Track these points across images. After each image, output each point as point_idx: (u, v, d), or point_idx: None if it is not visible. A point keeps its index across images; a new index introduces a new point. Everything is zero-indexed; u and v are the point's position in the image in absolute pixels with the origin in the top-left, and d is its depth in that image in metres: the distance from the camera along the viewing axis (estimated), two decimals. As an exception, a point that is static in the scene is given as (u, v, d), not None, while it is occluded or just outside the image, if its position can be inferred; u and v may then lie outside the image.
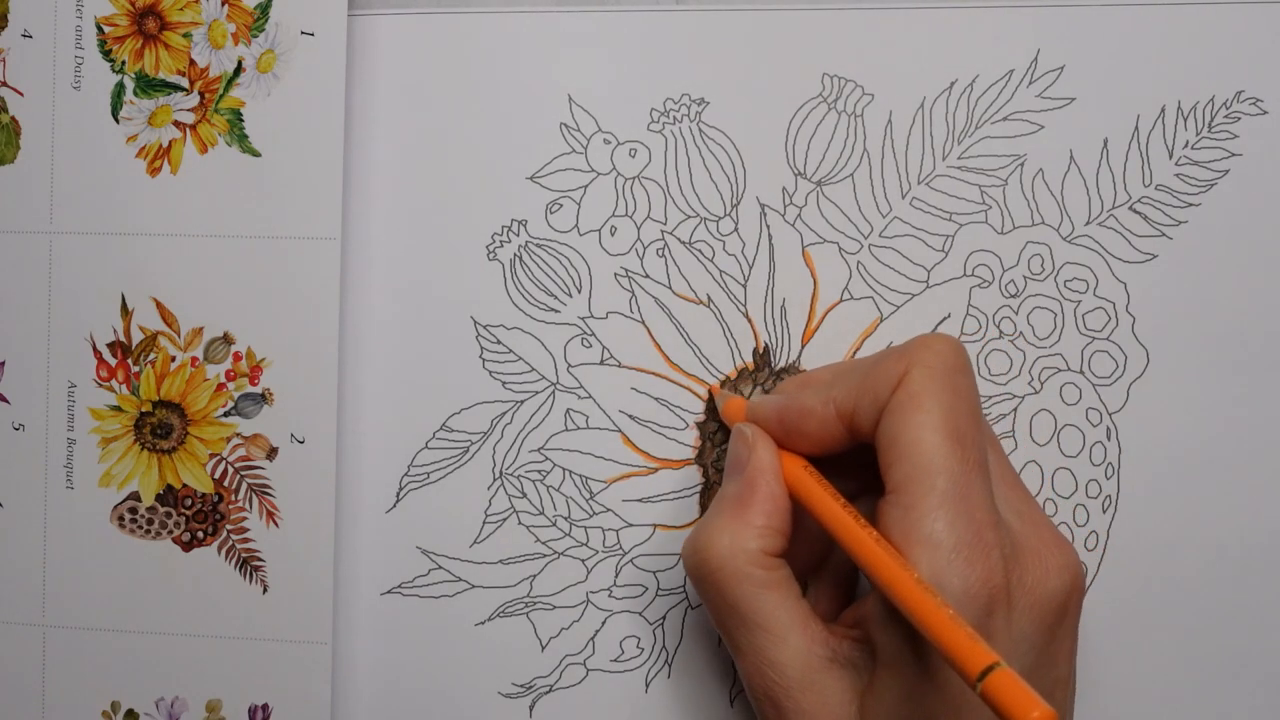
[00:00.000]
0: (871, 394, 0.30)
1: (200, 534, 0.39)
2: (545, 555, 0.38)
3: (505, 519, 0.39)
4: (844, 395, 0.31)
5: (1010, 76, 0.37)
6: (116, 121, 0.38)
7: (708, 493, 0.38)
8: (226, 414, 0.38)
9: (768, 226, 0.38)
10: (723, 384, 0.38)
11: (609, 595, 0.38)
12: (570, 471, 0.38)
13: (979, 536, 0.28)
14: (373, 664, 0.39)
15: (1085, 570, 0.31)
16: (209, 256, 0.38)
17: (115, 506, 0.39)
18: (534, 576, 0.39)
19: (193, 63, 0.38)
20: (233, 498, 0.38)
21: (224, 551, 0.38)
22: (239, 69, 0.38)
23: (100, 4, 0.38)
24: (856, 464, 0.32)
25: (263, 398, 0.38)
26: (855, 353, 0.38)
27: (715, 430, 0.38)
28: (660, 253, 0.38)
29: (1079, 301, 0.37)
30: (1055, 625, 0.30)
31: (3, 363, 0.39)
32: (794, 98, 0.38)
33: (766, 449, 0.32)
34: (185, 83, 0.38)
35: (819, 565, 0.35)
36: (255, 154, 0.38)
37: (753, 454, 0.32)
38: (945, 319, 0.37)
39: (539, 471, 0.38)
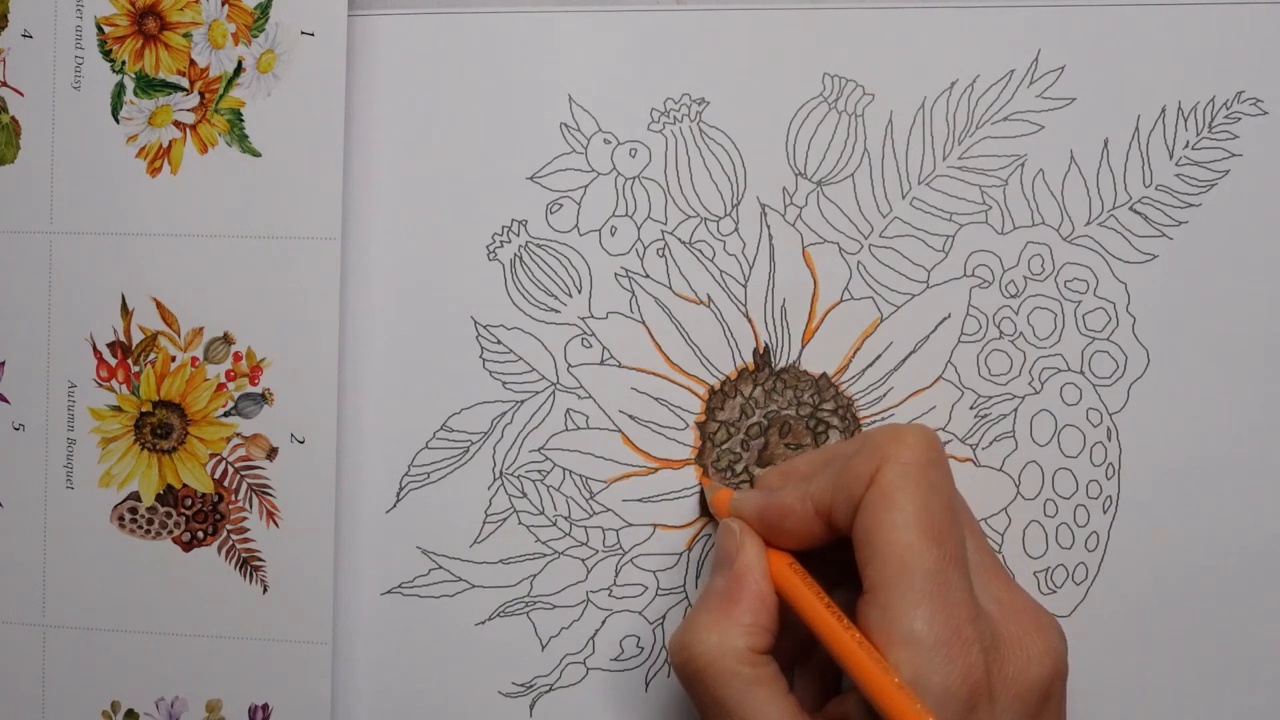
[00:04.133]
0: (846, 492, 0.30)
1: (200, 534, 0.39)
2: (545, 555, 0.38)
3: (505, 519, 0.39)
4: (820, 492, 0.31)
5: (1011, 76, 0.37)
6: (116, 121, 0.38)
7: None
8: (226, 414, 0.38)
9: (768, 226, 0.38)
10: (723, 382, 0.38)
11: (609, 595, 0.38)
12: (570, 471, 0.38)
13: (958, 633, 0.28)
14: (373, 664, 0.39)
15: (1067, 650, 0.31)
16: (209, 256, 0.38)
17: (115, 506, 0.39)
18: (534, 576, 0.39)
19: (193, 63, 0.38)
20: (233, 498, 0.38)
21: (224, 551, 0.38)
22: (239, 69, 0.38)
23: (100, 4, 0.38)
24: (841, 553, 0.32)
25: (263, 398, 0.38)
26: (855, 353, 0.38)
27: (717, 430, 0.38)
28: (660, 253, 0.38)
29: (1079, 302, 0.37)
30: (1039, 713, 0.30)
31: (3, 363, 0.39)
32: (794, 97, 0.38)
33: (754, 546, 0.32)
34: (185, 83, 0.38)
35: (805, 656, 0.35)
36: (255, 154, 0.38)
37: (741, 551, 0.32)
38: (945, 319, 0.37)
39: (539, 471, 0.38)
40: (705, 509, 0.38)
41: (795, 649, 0.34)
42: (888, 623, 0.28)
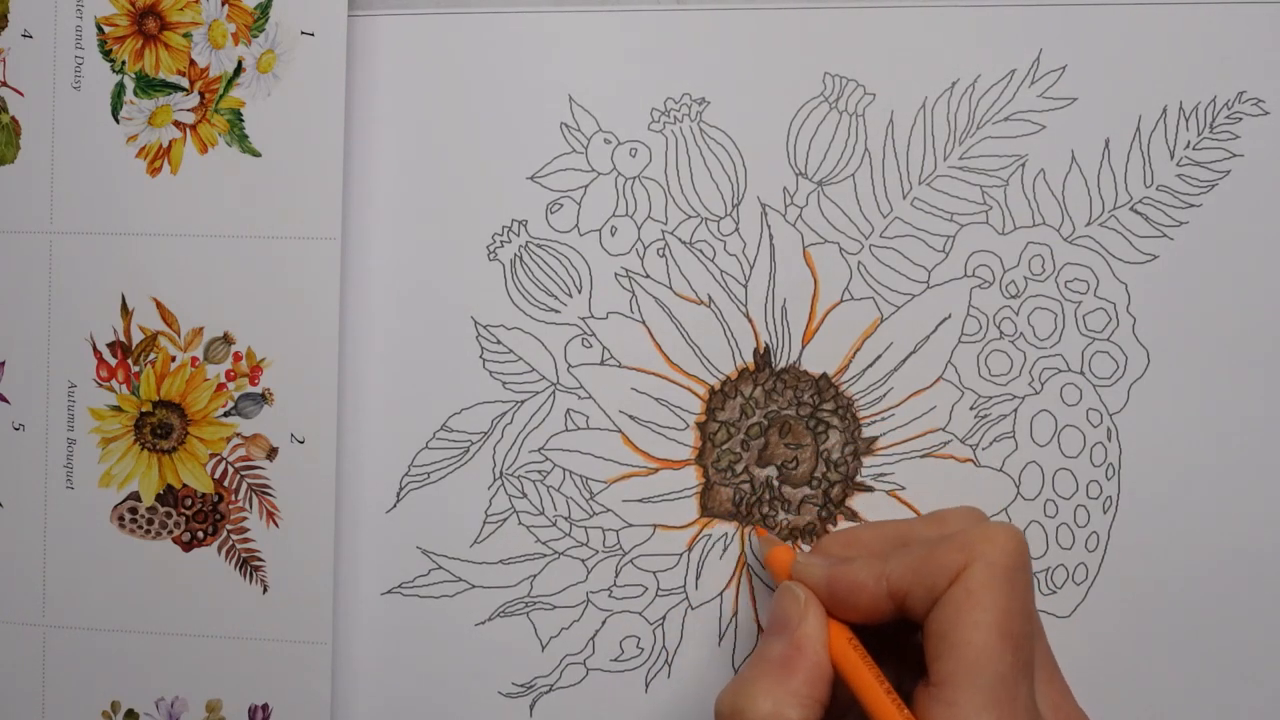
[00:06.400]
0: (928, 582, 0.30)
1: (200, 534, 0.39)
2: (545, 555, 0.38)
3: (505, 519, 0.39)
4: (898, 576, 0.31)
5: (1012, 76, 0.37)
6: (116, 121, 0.38)
7: (708, 493, 0.38)
8: (226, 414, 0.38)
9: (769, 226, 0.38)
10: (723, 382, 0.38)
11: (609, 595, 0.38)
12: (570, 471, 0.38)
13: None
14: (373, 664, 0.39)
15: None
16: (209, 256, 0.38)
17: (115, 506, 0.39)
18: (534, 576, 0.39)
19: (193, 63, 0.38)
20: (233, 498, 0.38)
21: (224, 551, 0.38)
22: (239, 69, 0.38)
23: (100, 4, 0.38)
24: (896, 629, 0.32)
25: (263, 398, 0.38)
26: (855, 353, 0.38)
27: (717, 430, 0.38)
28: (661, 253, 0.38)
29: (1080, 302, 0.37)
30: None
31: (3, 363, 0.39)
32: (795, 97, 0.38)
33: (817, 617, 0.32)
34: (185, 83, 0.38)
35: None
36: (255, 154, 0.38)
37: (804, 621, 0.32)
38: (945, 319, 0.37)
39: (539, 471, 0.38)
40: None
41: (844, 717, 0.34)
42: (951, 719, 0.28)
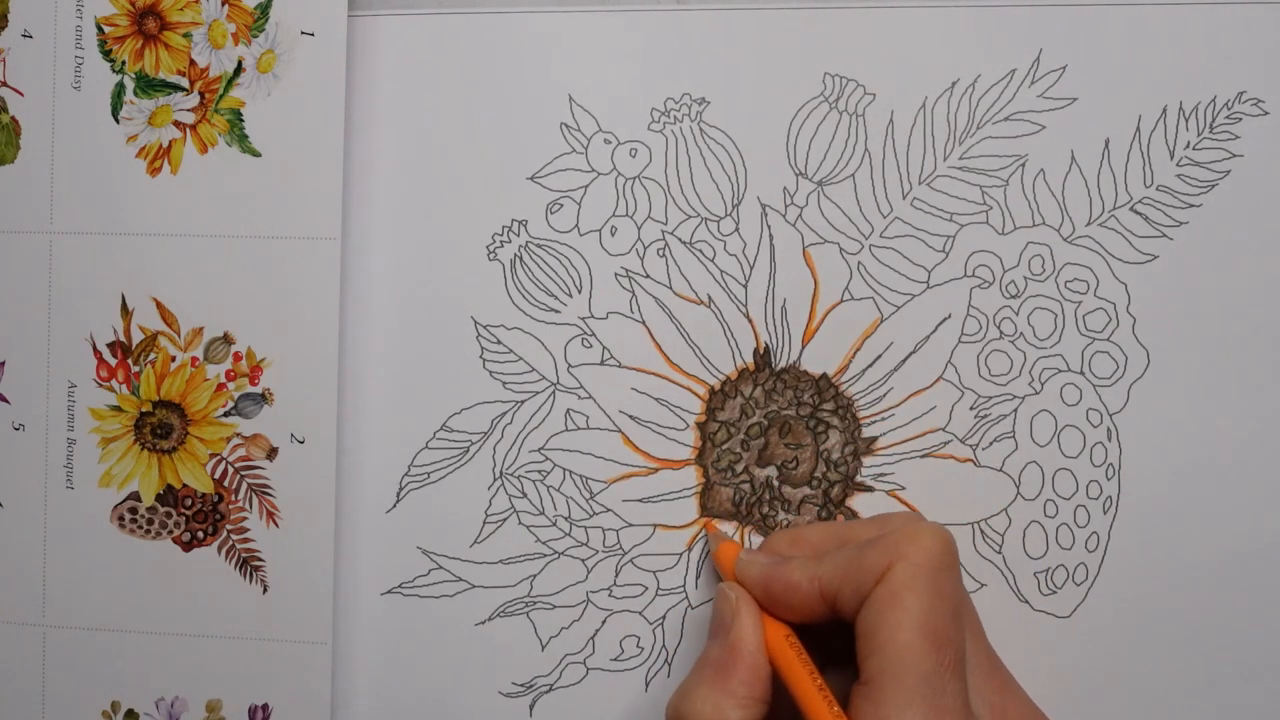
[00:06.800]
0: (855, 583, 0.31)
1: (200, 534, 0.39)
2: (545, 555, 0.38)
3: (505, 519, 0.39)
4: (829, 577, 0.31)
5: (1012, 76, 0.37)
6: (116, 121, 0.38)
7: (708, 493, 0.38)
8: (226, 414, 0.38)
9: (769, 226, 0.38)
10: (723, 382, 0.38)
11: (609, 595, 0.38)
12: (570, 471, 0.38)
13: None
14: (373, 664, 0.39)
15: None
16: (209, 256, 0.38)
17: (115, 506, 0.39)
18: (534, 576, 0.39)
19: (193, 63, 0.38)
20: (233, 498, 0.38)
21: (224, 551, 0.38)
22: (239, 69, 0.38)
23: (100, 4, 0.38)
24: (841, 631, 0.32)
25: (263, 398, 0.38)
26: (855, 353, 0.38)
27: (717, 430, 0.38)
28: (661, 253, 0.38)
29: (1079, 302, 0.37)
30: None
31: (3, 363, 0.39)
32: (795, 97, 0.38)
33: (750, 616, 0.32)
34: (185, 83, 0.38)
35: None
36: (255, 154, 0.38)
37: (736, 620, 0.32)
38: (945, 319, 0.37)
39: (539, 471, 0.38)
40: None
41: (792, 715, 0.34)
42: (878, 718, 0.29)
